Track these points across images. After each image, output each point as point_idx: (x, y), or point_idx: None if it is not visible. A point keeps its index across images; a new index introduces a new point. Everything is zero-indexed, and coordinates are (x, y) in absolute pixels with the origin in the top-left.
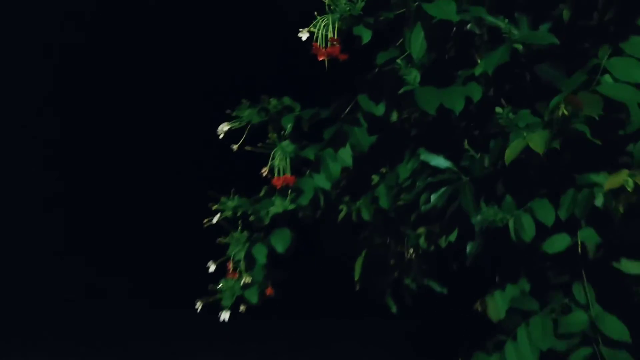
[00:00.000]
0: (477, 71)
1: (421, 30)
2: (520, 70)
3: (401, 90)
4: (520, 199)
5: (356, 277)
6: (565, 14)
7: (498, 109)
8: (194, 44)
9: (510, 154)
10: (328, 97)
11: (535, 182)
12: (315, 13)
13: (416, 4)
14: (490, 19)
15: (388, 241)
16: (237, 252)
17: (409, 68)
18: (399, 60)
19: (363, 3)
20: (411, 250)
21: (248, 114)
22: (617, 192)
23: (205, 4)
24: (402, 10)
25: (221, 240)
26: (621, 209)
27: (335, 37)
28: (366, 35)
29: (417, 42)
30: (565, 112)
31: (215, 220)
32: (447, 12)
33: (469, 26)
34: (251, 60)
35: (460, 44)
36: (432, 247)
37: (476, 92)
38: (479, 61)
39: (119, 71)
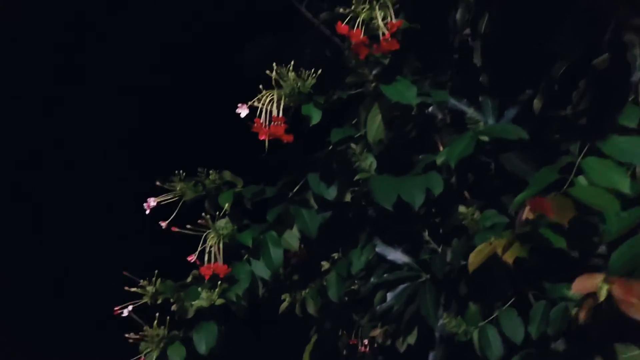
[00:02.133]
0: (439, 160)
1: (378, 113)
2: (484, 159)
3: (356, 178)
4: (485, 304)
5: None
6: (536, 104)
7: (462, 209)
8: (123, 102)
9: (474, 260)
10: (274, 174)
11: (501, 287)
12: (260, 86)
13: (373, 84)
14: (454, 103)
15: (339, 332)
16: (148, 352)
17: (364, 153)
18: (353, 145)
19: (313, 81)
20: (365, 342)
21: (181, 187)
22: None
23: (142, 56)
24: (357, 91)
25: (130, 337)
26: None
27: (280, 115)
28: (316, 116)
29: (373, 124)
30: (530, 216)
31: (127, 311)
32: (407, 96)
33: (430, 109)
34: (189, 127)
35: (421, 127)
36: (389, 342)
37: (437, 184)
38: (441, 148)
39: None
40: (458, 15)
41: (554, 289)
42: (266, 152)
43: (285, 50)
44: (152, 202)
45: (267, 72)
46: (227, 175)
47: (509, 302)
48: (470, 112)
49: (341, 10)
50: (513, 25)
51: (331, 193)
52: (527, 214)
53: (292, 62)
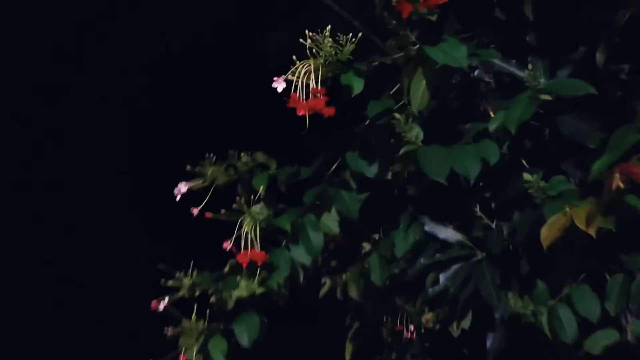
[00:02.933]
0: (492, 127)
1: (422, 78)
2: (538, 124)
3: (402, 151)
4: (552, 282)
5: (347, 358)
6: (599, 58)
7: (527, 176)
8: (151, 88)
9: (548, 234)
10: (310, 154)
11: (575, 262)
12: (294, 57)
13: (416, 47)
14: (501, 65)
15: (383, 318)
16: (189, 347)
17: (409, 124)
18: (397, 115)
19: (353, 46)
20: (412, 328)
21: (212, 171)
22: None
23: (169, 47)
24: (399, 55)
25: (168, 331)
26: None
27: (319, 87)
28: (357, 85)
29: (417, 92)
30: (621, 185)
31: (163, 304)
32: (457, 58)
33: (475, 72)
34: (219, 109)
35: (466, 93)
36: (438, 326)
37: (492, 153)
38: (491, 114)
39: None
40: None
41: (633, 261)
42: (307, 129)
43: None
44: (182, 187)
45: (301, 40)
46: (260, 156)
47: (580, 278)
48: (528, 72)
49: None
50: None
51: (372, 170)
52: (617, 181)
53: (329, 27)
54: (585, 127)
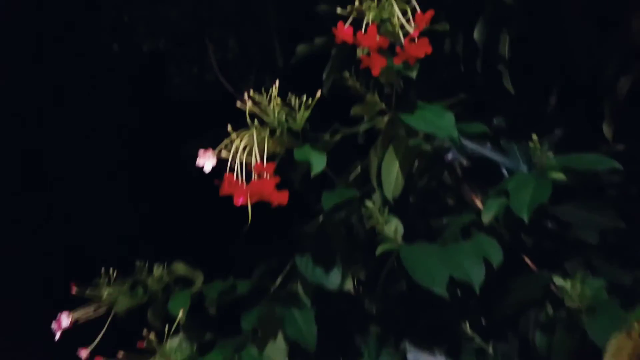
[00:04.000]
0: (487, 217)
1: (395, 158)
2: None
3: (379, 251)
4: None
5: None
6: (607, 131)
7: (559, 281)
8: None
9: None
10: (249, 262)
11: None
12: (229, 128)
13: (386, 117)
14: (478, 148)
15: None
16: None
17: (385, 215)
18: (369, 203)
19: (307, 113)
20: None
21: (110, 293)
22: None
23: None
24: (365, 125)
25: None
26: None
27: (265, 163)
28: (318, 162)
29: (390, 174)
30: None
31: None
32: (443, 127)
33: (449, 154)
34: (122, 203)
35: (436, 177)
36: None
37: (495, 252)
38: (478, 203)
39: None
40: (476, 34)
41: None
42: (248, 224)
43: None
44: (64, 320)
45: (238, 104)
46: (180, 268)
47: None
48: (531, 145)
49: (339, 10)
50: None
51: (333, 280)
52: None
53: (277, 84)
54: (593, 219)
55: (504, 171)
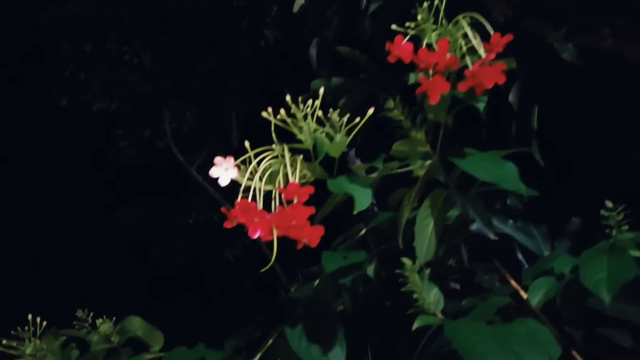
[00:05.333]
0: (535, 300)
1: (429, 215)
2: None
3: (416, 325)
4: None
5: None
6: None
7: None
8: None
9: None
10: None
11: None
12: (247, 145)
13: (428, 162)
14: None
15: None
16: None
17: (425, 279)
18: (406, 261)
19: (348, 138)
20: None
21: (36, 352)
22: None
23: None
24: (402, 168)
25: None
26: None
27: (298, 182)
28: (363, 198)
29: (424, 234)
30: None
31: None
32: (507, 177)
33: (474, 226)
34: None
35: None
36: None
37: (551, 344)
38: (513, 283)
39: None
40: (511, 97)
41: None
42: (269, 266)
43: (168, 215)
44: None
45: (264, 114)
46: (137, 325)
47: None
48: (605, 213)
49: (394, 26)
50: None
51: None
52: None
53: (321, 92)
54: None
55: (518, 253)
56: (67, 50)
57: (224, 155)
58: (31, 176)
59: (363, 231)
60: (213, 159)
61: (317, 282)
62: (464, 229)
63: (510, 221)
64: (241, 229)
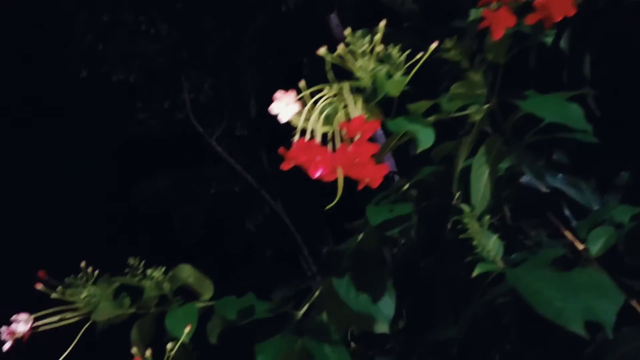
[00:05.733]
0: (594, 248)
1: (485, 162)
2: None
3: (476, 272)
4: None
5: None
6: None
7: None
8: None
9: None
10: (273, 279)
11: None
12: (302, 84)
13: (485, 107)
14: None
15: None
16: None
17: (484, 227)
18: (465, 207)
19: (407, 77)
20: None
21: (90, 295)
22: None
23: None
24: (458, 113)
25: None
26: None
27: (363, 117)
28: (426, 137)
29: (479, 182)
30: None
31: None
32: (573, 117)
33: (525, 178)
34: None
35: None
36: None
37: (613, 292)
38: (570, 236)
39: None
40: (563, 43)
41: None
42: (334, 205)
43: (189, 185)
44: (20, 325)
45: (321, 50)
46: (188, 273)
47: None
48: None
49: None
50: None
51: (385, 311)
52: None
53: (384, 23)
54: None
55: (565, 209)
56: (83, 20)
57: (243, 129)
58: (55, 151)
59: (406, 186)
60: (231, 130)
61: (360, 236)
62: (514, 182)
63: (560, 175)
64: (261, 200)
